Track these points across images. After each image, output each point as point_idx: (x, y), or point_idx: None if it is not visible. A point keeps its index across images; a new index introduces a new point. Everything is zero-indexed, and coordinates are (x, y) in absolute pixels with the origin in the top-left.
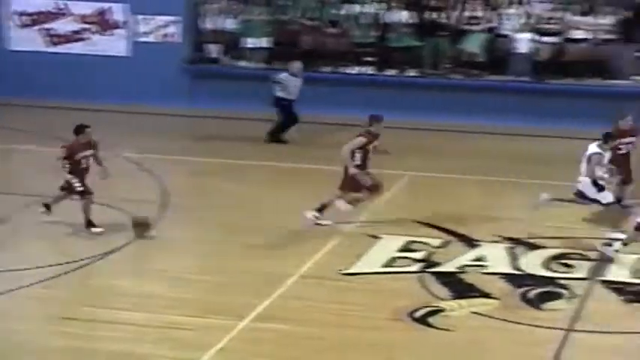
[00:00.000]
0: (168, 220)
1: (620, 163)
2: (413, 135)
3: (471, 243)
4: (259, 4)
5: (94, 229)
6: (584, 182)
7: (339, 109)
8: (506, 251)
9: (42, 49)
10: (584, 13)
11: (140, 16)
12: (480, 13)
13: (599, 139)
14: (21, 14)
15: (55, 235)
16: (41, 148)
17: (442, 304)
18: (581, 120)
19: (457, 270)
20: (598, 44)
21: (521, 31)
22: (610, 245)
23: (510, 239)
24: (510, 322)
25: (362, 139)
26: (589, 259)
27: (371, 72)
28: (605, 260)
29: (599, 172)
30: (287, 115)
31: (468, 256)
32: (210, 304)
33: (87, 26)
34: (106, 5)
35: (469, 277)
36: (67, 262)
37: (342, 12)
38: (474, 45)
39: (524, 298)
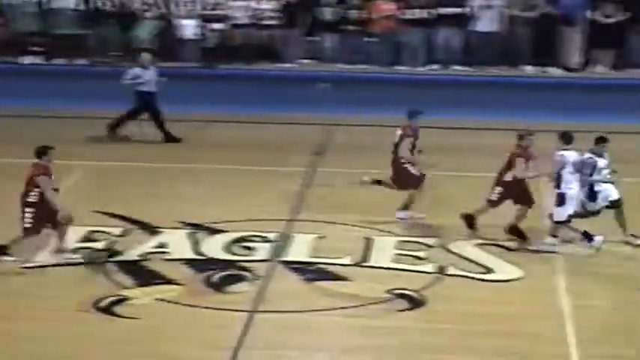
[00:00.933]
0: None
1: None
2: (86, 124)
3: (152, 230)
4: None
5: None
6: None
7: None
8: (188, 237)
9: None
10: None
11: None
12: (150, 0)
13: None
14: None
15: None
16: None
17: (126, 293)
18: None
19: (140, 258)
20: (262, 28)
21: (189, 17)
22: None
23: (191, 225)
24: (195, 307)
25: (409, 139)
26: (269, 241)
27: (39, 61)
28: (285, 241)
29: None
30: (152, 108)
31: (149, 244)
32: None
33: None
34: None
35: (152, 265)
36: None
37: (4, 1)
38: (145, 32)
39: (208, 282)
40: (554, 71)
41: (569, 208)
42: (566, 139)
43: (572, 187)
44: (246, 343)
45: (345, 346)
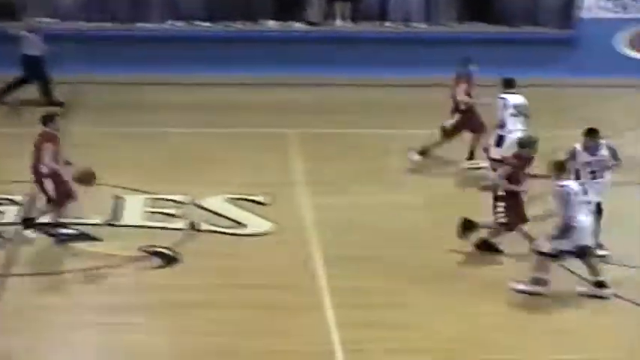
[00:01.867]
0: None
1: None
2: None
3: None
4: None
5: None
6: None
7: None
8: None
9: None
10: None
11: None
12: None
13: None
14: None
15: None
16: None
17: None
18: None
19: None
20: None
21: None
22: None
23: None
24: None
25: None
26: (17, 204)
27: None
28: (32, 203)
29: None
30: (39, 73)
31: None
32: None
33: None
34: None
35: None
36: None
37: None
38: None
39: None
40: (298, 26)
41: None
42: (508, 84)
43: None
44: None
45: (99, 305)
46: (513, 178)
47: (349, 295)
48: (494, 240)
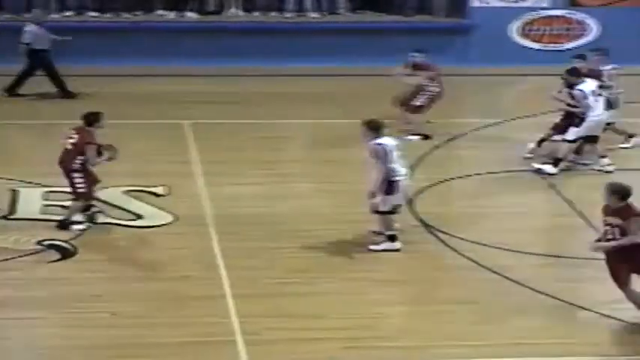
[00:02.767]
0: None
1: None
2: None
3: None
4: None
5: None
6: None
7: None
8: None
9: None
10: None
11: None
12: None
13: None
14: None
15: None
16: None
17: None
18: None
19: None
20: None
21: None
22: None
23: None
24: None
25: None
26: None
27: None
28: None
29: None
30: (45, 66)
31: None
32: None
33: None
34: None
35: None
36: None
37: None
38: None
39: None
40: (190, 15)
41: None
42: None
43: None
44: None
45: None
46: None
47: (249, 285)
48: None
